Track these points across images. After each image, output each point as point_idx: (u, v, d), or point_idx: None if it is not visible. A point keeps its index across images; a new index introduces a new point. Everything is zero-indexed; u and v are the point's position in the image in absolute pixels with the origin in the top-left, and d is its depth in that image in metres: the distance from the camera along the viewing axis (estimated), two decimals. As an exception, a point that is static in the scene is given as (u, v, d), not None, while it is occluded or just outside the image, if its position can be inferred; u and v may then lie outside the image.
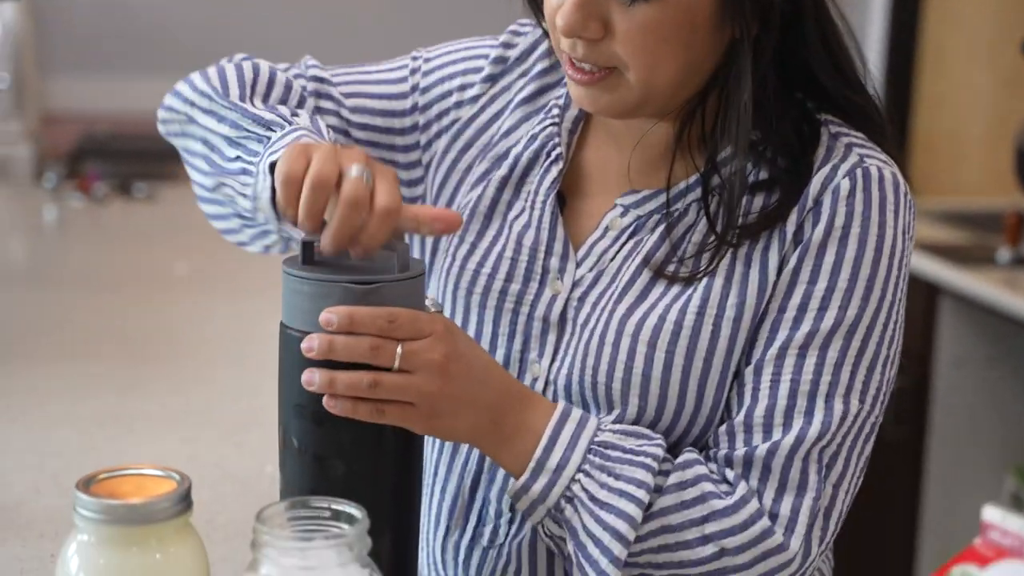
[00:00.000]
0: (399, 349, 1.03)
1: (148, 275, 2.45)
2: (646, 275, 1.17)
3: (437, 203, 1.29)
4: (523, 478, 1.10)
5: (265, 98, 1.25)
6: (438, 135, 1.29)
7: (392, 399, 1.03)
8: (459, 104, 1.29)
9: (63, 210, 2.86)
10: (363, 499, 0.93)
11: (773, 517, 1.10)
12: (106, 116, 3.38)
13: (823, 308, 1.12)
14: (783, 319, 1.13)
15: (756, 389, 1.12)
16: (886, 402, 1.15)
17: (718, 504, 1.10)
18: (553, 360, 1.19)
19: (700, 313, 1.13)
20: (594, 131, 1.25)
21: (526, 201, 1.24)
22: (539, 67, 1.28)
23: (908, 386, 2.81)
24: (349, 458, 1.05)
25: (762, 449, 1.11)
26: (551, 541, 1.15)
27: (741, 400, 1.13)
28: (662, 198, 1.18)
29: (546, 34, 1.23)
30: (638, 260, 1.17)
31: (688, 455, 1.12)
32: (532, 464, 1.10)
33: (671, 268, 1.16)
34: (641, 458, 1.10)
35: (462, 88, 1.29)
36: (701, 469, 1.11)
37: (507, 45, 1.30)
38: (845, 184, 1.13)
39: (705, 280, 1.14)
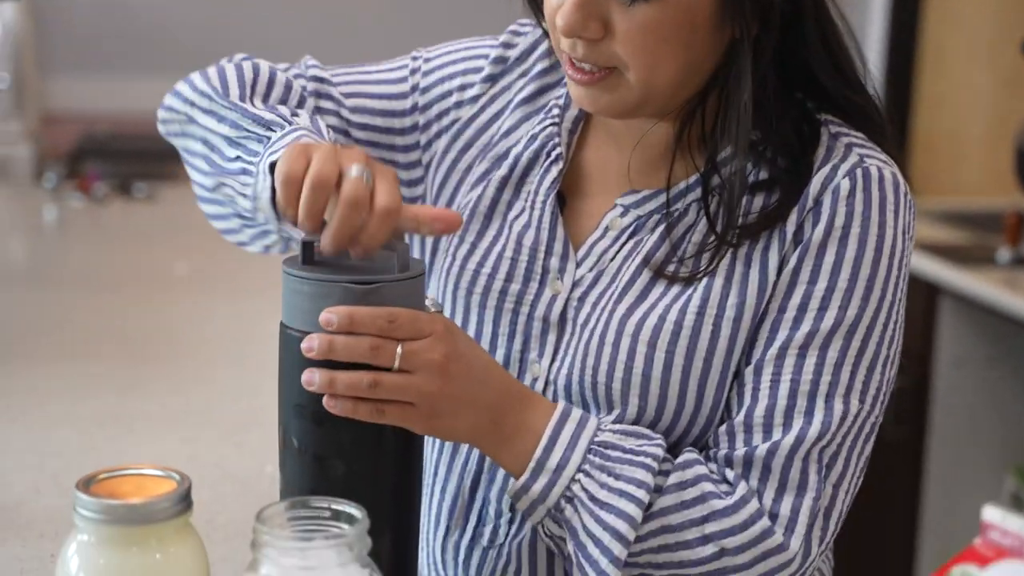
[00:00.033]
0: (399, 349, 1.03)
1: (148, 275, 2.45)
2: (646, 275, 1.17)
3: (437, 203, 1.29)
4: (523, 478, 1.10)
5: (265, 98, 1.25)
6: (438, 135, 1.29)
7: (392, 399, 1.03)
8: (459, 104, 1.29)
9: (63, 210, 2.86)
10: (363, 499, 0.93)
11: (773, 517, 1.10)
12: (106, 116, 3.38)
13: (823, 308, 1.12)
14: (783, 319, 1.13)
15: (756, 389, 1.12)
16: (886, 402, 1.15)
17: (718, 504, 1.09)
18: (553, 360, 1.19)
19: (700, 313, 1.13)
20: (594, 131, 1.25)
21: (526, 201, 1.24)
22: (539, 67, 1.28)
23: (908, 386, 2.81)
24: (349, 458, 1.05)
25: (762, 449, 1.11)
26: (551, 541, 1.15)
27: (741, 400, 1.13)
28: (662, 198, 1.18)
29: (546, 34, 1.23)
30: (638, 260, 1.17)
31: (688, 455, 1.12)
32: (532, 464, 1.10)
33: (671, 268, 1.16)
34: (641, 458, 1.10)
35: (462, 88, 1.29)
36: (701, 469, 1.11)
37: (507, 45, 1.30)
38: (845, 184, 1.13)
39: (705, 280, 1.14)
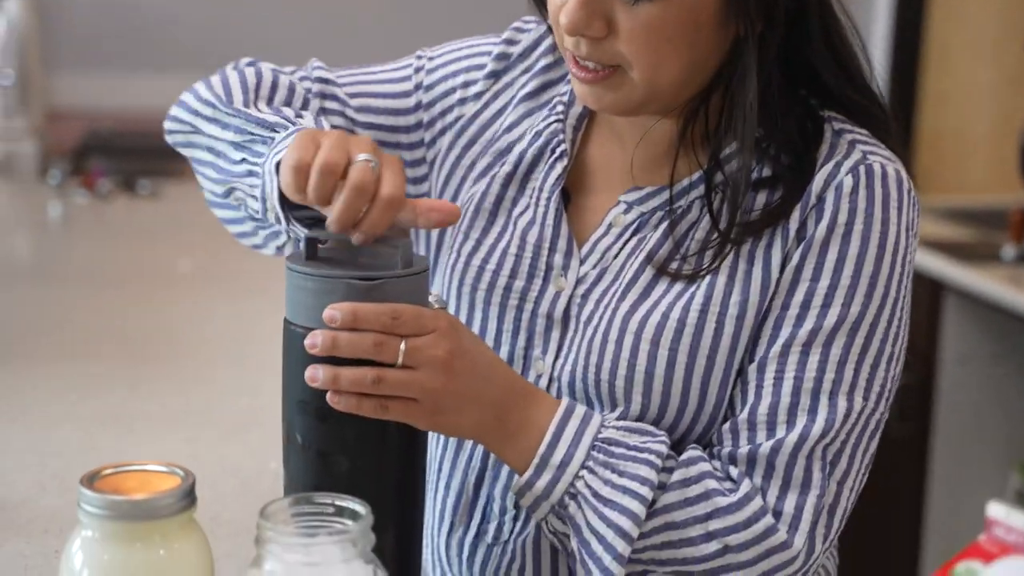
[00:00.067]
0: (403, 345, 1.03)
1: (151, 272, 2.45)
2: (649, 272, 1.17)
3: (442, 199, 1.29)
4: (527, 474, 1.10)
5: (269, 101, 1.25)
6: (442, 132, 1.29)
7: (396, 395, 1.03)
8: (463, 101, 1.29)
9: (67, 207, 2.86)
10: (367, 495, 0.93)
11: (777, 515, 1.10)
12: (110, 113, 3.38)
13: (826, 305, 1.11)
14: (786, 316, 1.12)
15: (760, 386, 1.12)
16: (891, 399, 1.15)
17: (722, 501, 1.09)
18: (557, 357, 1.19)
19: (703, 311, 1.13)
20: (598, 128, 1.25)
21: (530, 198, 1.24)
22: (542, 63, 1.28)
23: (912, 383, 2.80)
24: (353, 454, 1.05)
25: (766, 447, 1.10)
26: (555, 538, 1.15)
27: (745, 397, 1.13)
28: (665, 195, 1.18)
29: (550, 30, 1.23)
30: (641, 257, 1.17)
31: (692, 452, 1.12)
32: (536, 460, 1.10)
33: (674, 265, 1.16)
34: (645, 455, 1.10)
35: (465, 85, 1.29)
36: (705, 466, 1.11)
37: (510, 42, 1.30)
38: (848, 181, 1.12)
39: (708, 277, 1.14)
